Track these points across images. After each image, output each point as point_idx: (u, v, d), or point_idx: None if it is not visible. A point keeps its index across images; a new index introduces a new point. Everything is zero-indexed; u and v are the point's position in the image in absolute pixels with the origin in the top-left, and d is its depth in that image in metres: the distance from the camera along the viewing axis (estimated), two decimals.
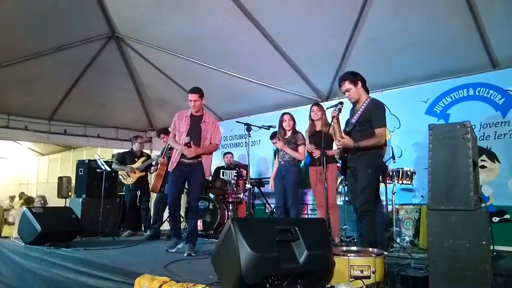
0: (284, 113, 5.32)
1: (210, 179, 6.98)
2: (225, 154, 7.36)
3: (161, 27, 5.86)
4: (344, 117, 4.69)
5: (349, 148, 3.69)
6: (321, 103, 5.60)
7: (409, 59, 5.34)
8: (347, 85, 3.78)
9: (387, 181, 4.73)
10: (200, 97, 4.58)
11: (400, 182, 4.73)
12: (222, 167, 7.30)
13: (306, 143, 5.12)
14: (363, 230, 3.63)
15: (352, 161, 3.78)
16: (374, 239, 3.60)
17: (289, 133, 5.21)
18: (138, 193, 6.53)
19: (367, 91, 3.96)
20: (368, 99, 3.82)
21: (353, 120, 3.80)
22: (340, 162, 3.92)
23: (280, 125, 5.27)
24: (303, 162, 5.34)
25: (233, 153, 7.48)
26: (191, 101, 4.54)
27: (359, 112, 3.78)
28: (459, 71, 5.31)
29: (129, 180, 6.44)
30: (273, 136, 5.84)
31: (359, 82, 3.78)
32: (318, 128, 5.08)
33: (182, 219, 6.45)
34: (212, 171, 7.33)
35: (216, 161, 7.91)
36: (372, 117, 3.67)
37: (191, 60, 6.37)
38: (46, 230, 4.86)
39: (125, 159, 6.67)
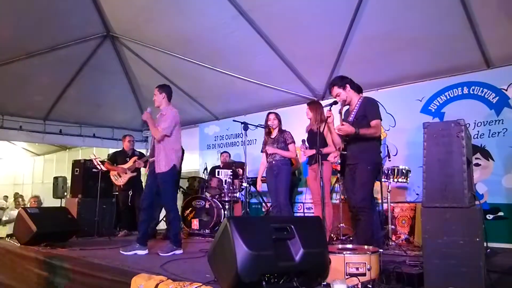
0: (269, 113, 5.39)
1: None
2: (221, 153, 7.36)
3: (157, 26, 5.86)
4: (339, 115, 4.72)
5: (349, 136, 3.73)
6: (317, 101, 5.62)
7: (404, 58, 5.36)
8: (336, 90, 3.91)
9: (383, 179, 4.75)
10: (159, 92, 4.64)
11: (395, 180, 4.76)
12: (218, 167, 7.31)
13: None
14: (360, 227, 3.66)
15: (352, 158, 3.81)
16: (370, 236, 3.62)
17: (275, 132, 5.24)
18: (130, 193, 6.49)
19: (359, 91, 4.04)
20: (361, 98, 3.94)
21: (350, 118, 3.88)
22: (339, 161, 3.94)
23: (266, 125, 5.32)
24: (302, 161, 5.36)
25: (230, 153, 7.48)
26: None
27: (354, 111, 3.88)
28: (454, 69, 5.34)
29: (121, 181, 6.41)
30: None
31: (347, 85, 3.90)
32: (313, 126, 5.09)
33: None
34: (208, 170, 7.35)
35: (211, 159, 7.94)
36: (367, 112, 3.78)
37: (186, 59, 6.37)
38: (41, 230, 4.84)
39: (116, 159, 6.63)
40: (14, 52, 6.09)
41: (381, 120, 3.80)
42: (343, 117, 3.91)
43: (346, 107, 4.04)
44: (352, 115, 3.88)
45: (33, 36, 5.89)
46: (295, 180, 6.44)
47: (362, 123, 3.76)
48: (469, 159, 2.66)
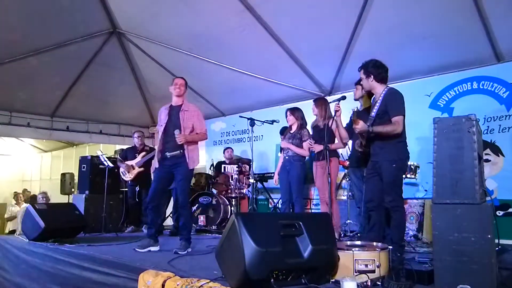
0: (286, 109, 5.34)
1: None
2: (225, 149, 7.36)
3: (163, 22, 5.84)
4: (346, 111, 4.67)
5: (366, 133, 3.56)
6: (325, 97, 5.59)
7: (413, 52, 5.30)
8: (361, 74, 3.75)
9: None
10: (186, 86, 4.56)
11: (403, 176, 4.70)
12: (224, 162, 7.30)
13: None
14: (393, 225, 3.50)
15: (374, 155, 3.63)
16: (403, 234, 3.56)
17: (294, 128, 5.21)
18: (137, 188, 6.51)
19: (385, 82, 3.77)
20: (385, 90, 3.64)
21: (372, 113, 3.63)
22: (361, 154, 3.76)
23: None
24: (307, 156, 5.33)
25: (235, 148, 7.47)
26: (176, 84, 4.50)
27: (377, 104, 3.62)
28: (463, 64, 5.27)
29: (128, 176, 6.45)
30: (282, 132, 5.89)
31: (371, 76, 3.66)
32: (319, 122, 5.05)
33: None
34: (214, 165, 7.34)
35: (218, 156, 7.94)
36: (389, 106, 3.51)
37: (193, 55, 6.35)
38: (49, 227, 4.87)
39: (126, 155, 6.67)
40: (21, 49, 6.09)
41: (403, 115, 3.50)
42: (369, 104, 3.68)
43: (352, 100, 3.93)
44: (374, 110, 3.62)
45: (39, 33, 5.89)
46: None
47: (384, 119, 3.51)
48: (480, 154, 2.63)
